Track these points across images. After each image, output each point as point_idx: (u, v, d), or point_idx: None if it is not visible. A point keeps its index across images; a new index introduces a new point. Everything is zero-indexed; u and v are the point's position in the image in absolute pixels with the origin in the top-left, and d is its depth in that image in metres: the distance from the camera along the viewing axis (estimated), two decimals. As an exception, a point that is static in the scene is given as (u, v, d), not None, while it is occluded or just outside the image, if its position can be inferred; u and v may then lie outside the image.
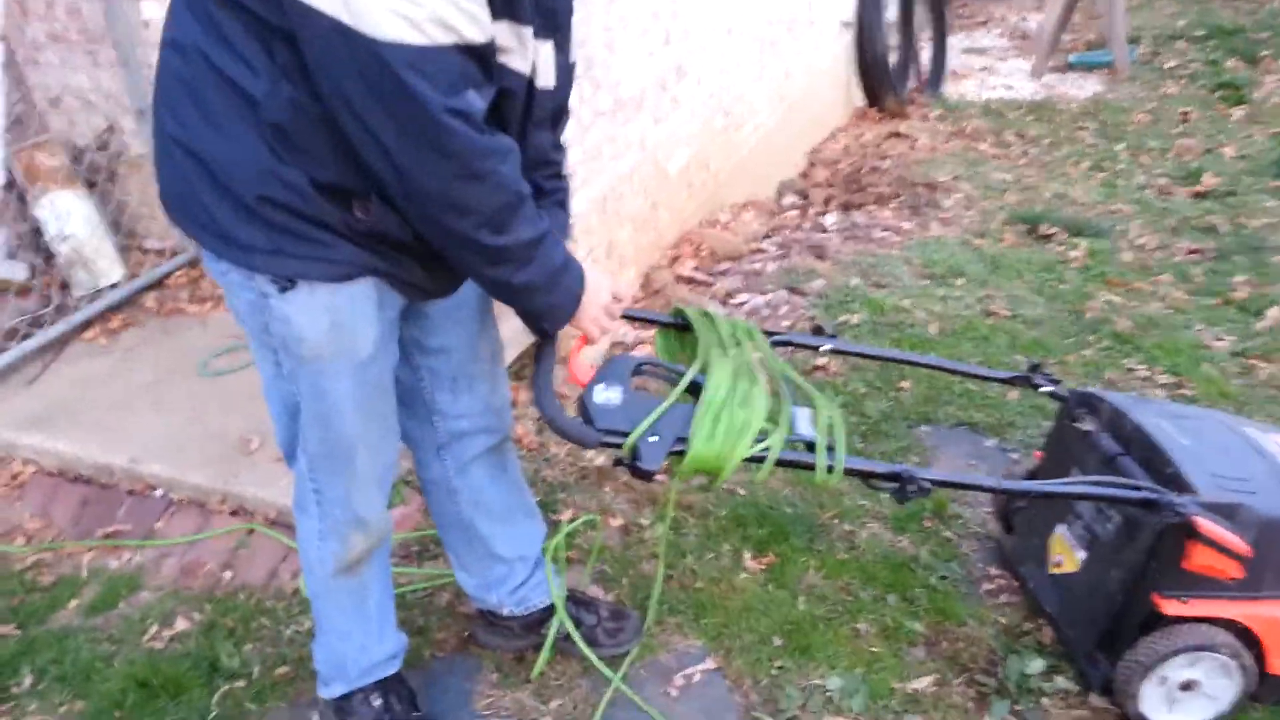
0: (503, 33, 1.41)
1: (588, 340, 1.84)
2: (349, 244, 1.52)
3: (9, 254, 3.48)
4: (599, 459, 2.96)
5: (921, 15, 7.15)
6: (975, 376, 2.44)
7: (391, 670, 2.09)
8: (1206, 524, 1.91)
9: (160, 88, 1.51)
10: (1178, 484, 1.99)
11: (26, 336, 3.22)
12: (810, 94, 5.78)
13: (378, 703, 2.04)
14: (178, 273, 3.81)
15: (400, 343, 1.80)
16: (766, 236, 4.61)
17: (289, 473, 2.24)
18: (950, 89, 7.18)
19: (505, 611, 2.23)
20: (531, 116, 1.58)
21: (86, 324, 3.43)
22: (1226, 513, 1.94)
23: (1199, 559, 1.94)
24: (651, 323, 2.16)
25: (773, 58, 5.06)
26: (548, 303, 1.67)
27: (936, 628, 2.34)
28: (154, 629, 2.38)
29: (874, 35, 6.24)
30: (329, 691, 2.05)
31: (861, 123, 6.49)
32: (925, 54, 7.24)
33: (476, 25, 1.34)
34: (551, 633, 2.22)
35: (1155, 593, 2.00)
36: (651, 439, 1.72)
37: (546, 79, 1.55)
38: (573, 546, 2.60)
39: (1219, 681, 2.02)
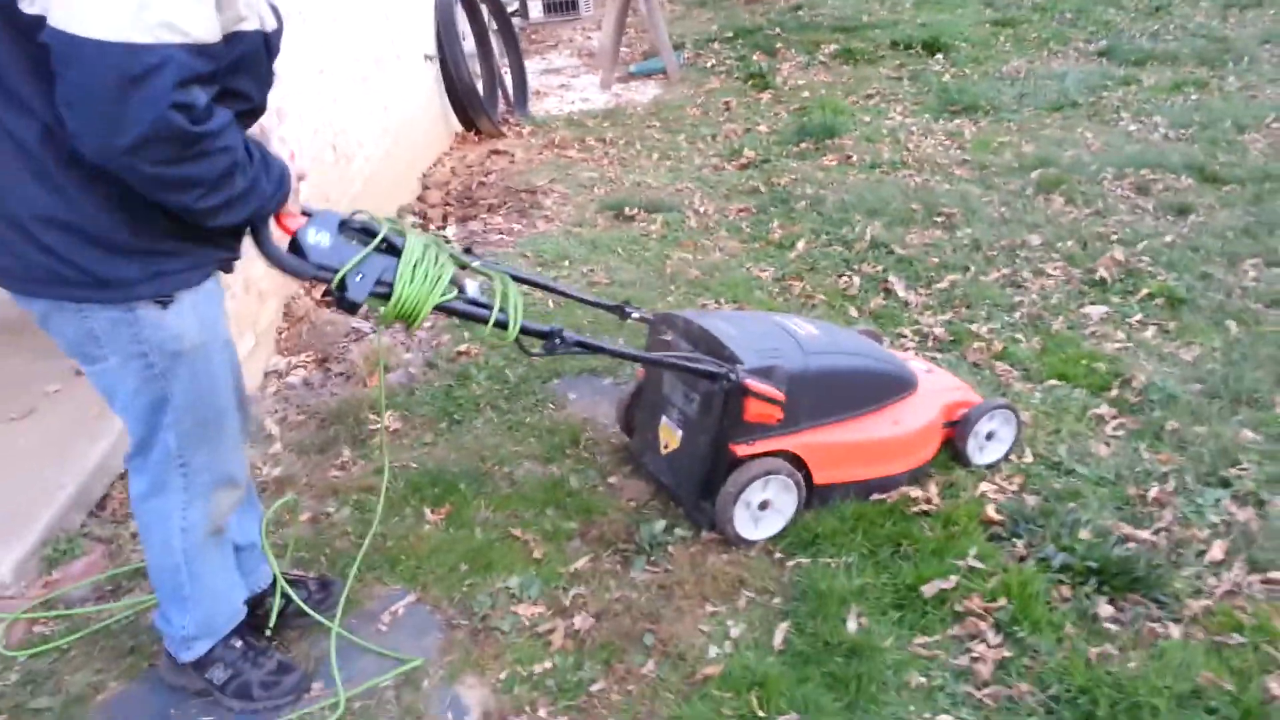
0: (239, 7, 1.72)
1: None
2: (205, 244, 1.89)
3: None
4: (275, 471, 3.22)
5: (497, 44, 7.86)
6: (585, 302, 2.99)
7: (245, 613, 2.37)
8: (753, 383, 2.61)
9: None
10: (730, 360, 2.67)
11: None
12: (410, 124, 6.23)
13: (238, 644, 2.35)
14: None
15: None
16: (393, 256, 5.00)
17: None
18: (536, 107, 7.95)
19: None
20: (272, 55, 1.91)
21: None
22: (765, 374, 2.66)
23: (753, 410, 2.64)
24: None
25: (367, 93, 5.45)
26: (259, 213, 1.92)
27: (586, 522, 2.90)
28: None
29: (457, 65, 6.80)
30: (193, 653, 2.30)
31: (463, 145, 7.05)
32: (509, 78, 7.96)
33: (204, 26, 1.63)
34: (276, 603, 2.48)
35: (731, 443, 2.68)
36: (358, 278, 2.10)
37: (270, 22, 1.87)
38: (269, 540, 2.86)
39: (784, 497, 2.75)
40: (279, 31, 1.95)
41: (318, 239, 2.10)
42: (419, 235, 2.29)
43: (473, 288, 2.34)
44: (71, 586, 2.73)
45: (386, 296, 2.17)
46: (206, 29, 1.65)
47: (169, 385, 1.97)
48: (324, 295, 2.07)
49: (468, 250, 2.66)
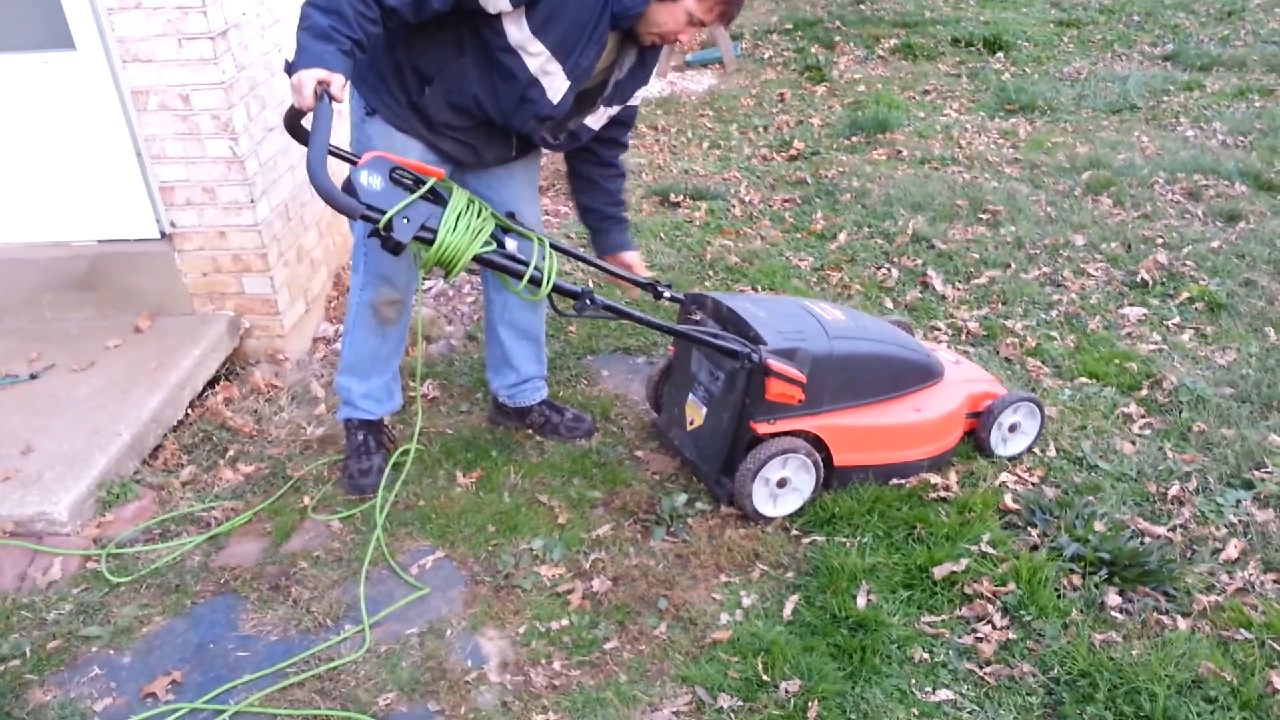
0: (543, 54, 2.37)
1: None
2: (407, 109, 2.56)
3: None
4: (319, 431, 3.36)
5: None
6: (619, 278, 3.07)
7: (374, 415, 3.07)
8: (774, 363, 2.68)
9: None
10: (755, 340, 2.75)
11: None
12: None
13: (361, 436, 3.07)
14: None
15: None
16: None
17: (17, 490, 2.80)
18: (591, 94, 8.04)
19: (503, 400, 3.26)
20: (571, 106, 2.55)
21: None
22: (788, 355, 2.72)
23: (774, 389, 2.71)
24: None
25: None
26: (298, 40, 2.22)
27: (610, 492, 3.00)
28: (-86, 645, 2.51)
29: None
30: (340, 414, 3.09)
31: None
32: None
33: None
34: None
35: (752, 420, 2.76)
36: (404, 220, 2.24)
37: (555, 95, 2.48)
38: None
39: (802, 476, 2.81)
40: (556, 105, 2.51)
41: (370, 181, 2.24)
42: (465, 191, 2.40)
43: (512, 246, 2.46)
44: (124, 530, 2.90)
45: (430, 243, 2.28)
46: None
47: None
48: (370, 235, 2.20)
49: (510, 215, 2.77)
